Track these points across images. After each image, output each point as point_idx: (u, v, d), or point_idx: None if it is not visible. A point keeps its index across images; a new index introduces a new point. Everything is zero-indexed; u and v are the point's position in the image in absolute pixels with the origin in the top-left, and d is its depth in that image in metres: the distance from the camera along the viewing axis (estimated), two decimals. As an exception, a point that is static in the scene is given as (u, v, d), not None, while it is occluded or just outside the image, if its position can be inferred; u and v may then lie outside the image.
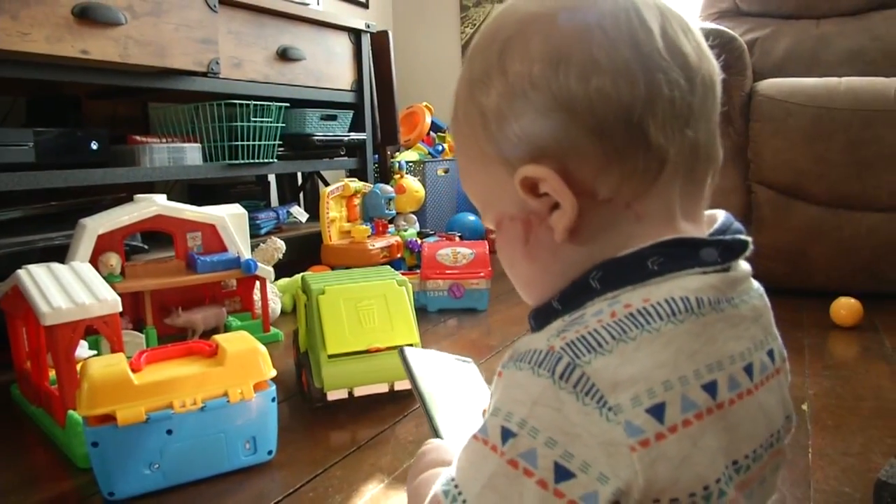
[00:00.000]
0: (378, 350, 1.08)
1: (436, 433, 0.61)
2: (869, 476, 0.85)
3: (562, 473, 0.35)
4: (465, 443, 0.40)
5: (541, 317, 0.44)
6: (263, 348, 0.93)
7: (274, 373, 0.93)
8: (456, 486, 0.39)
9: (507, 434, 0.37)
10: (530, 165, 0.40)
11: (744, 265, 0.43)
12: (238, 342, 0.93)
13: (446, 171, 2.79)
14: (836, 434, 1.01)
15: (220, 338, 0.94)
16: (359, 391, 1.10)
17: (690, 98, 0.40)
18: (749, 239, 0.42)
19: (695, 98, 0.40)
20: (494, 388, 0.41)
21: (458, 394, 0.69)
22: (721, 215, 0.44)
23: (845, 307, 1.56)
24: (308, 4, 2.32)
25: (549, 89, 0.39)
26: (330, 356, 1.07)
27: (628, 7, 0.40)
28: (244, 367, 0.90)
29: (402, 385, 1.11)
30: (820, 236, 1.77)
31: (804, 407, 1.10)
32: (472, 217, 2.63)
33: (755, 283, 0.44)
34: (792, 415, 0.45)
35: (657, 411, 0.36)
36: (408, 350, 0.69)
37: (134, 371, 0.85)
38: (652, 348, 0.37)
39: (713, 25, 1.83)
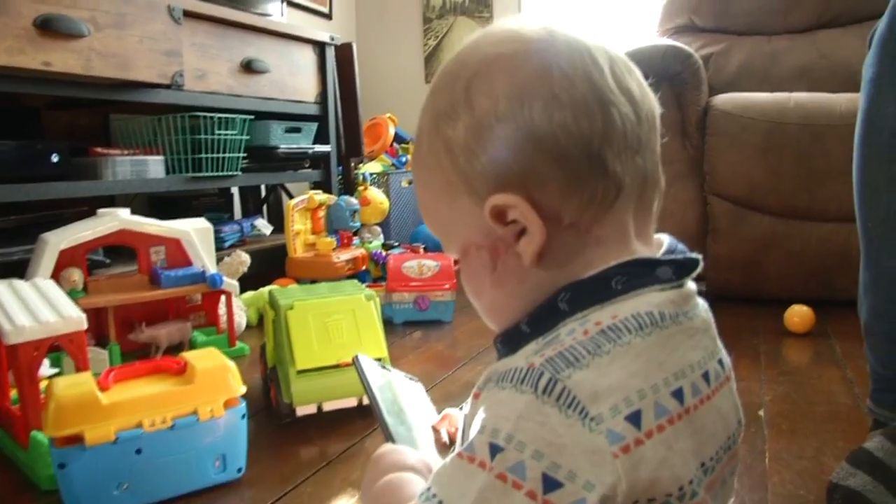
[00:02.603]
0: (347, 365, 1.09)
1: (389, 437, 0.63)
2: (823, 479, 0.89)
3: (550, 484, 0.37)
4: (445, 462, 0.41)
5: (510, 341, 0.46)
6: (233, 365, 0.93)
7: (244, 389, 0.93)
8: (440, 503, 0.39)
9: (494, 449, 0.38)
10: (499, 194, 0.43)
11: (690, 283, 0.46)
12: (207, 359, 0.93)
13: (410, 183, 2.80)
14: (792, 438, 1.05)
15: (189, 355, 0.94)
16: (328, 405, 1.10)
17: (639, 130, 0.44)
18: (700, 257, 0.46)
19: (642, 130, 0.44)
20: (471, 409, 0.43)
21: (407, 405, 0.71)
22: (666, 239, 0.48)
23: (798, 314, 1.62)
24: (271, 16, 2.33)
25: (514, 123, 0.42)
26: (299, 372, 1.07)
27: (581, 49, 0.44)
28: (214, 384, 0.90)
29: (371, 399, 1.12)
30: (773, 246, 1.83)
31: (760, 413, 1.14)
32: (427, 224, 2.65)
33: (700, 299, 0.47)
34: (742, 419, 0.48)
35: (634, 418, 0.39)
36: (362, 357, 0.71)
37: (102, 390, 0.85)
38: (624, 360, 0.40)
39: (669, 42, 1.89)
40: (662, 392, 0.40)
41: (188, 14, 1.78)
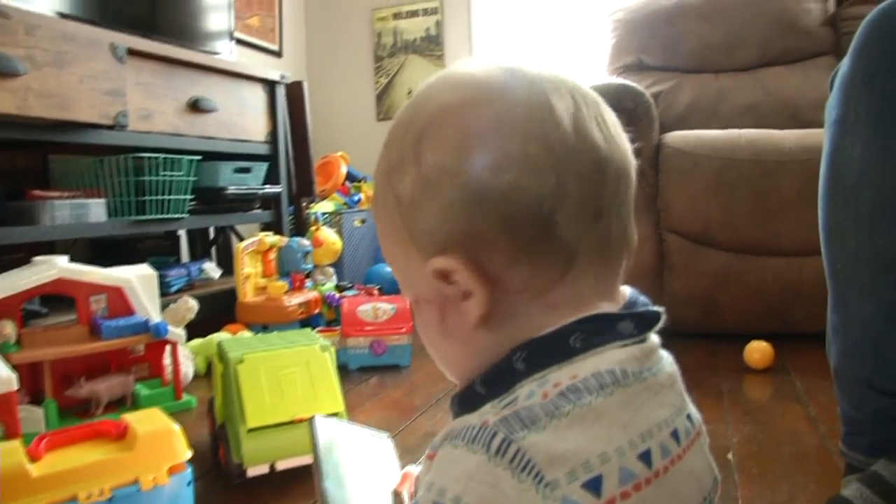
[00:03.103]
0: (301, 420, 1.03)
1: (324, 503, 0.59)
2: (797, 527, 0.87)
3: None
4: None
5: (466, 403, 0.43)
6: (178, 427, 0.87)
7: (190, 454, 0.86)
8: None
9: None
10: (440, 257, 0.40)
11: (653, 337, 0.44)
12: (149, 422, 0.86)
13: (363, 222, 2.76)
14: (763, 483, 1.03)
15: (130, 417, 0.87)
16: (281, 464, 1.04)
17: (601, 189, 0.41)
18: (661, 310, 0.43)
19: (606, 189, 0.41)
20: (425, 470, 0.40)
21: (364, 472, 0.67)
22: (627, 291, 0.45)
23: (758, 351, 1.62)
24: (219, 54, 2.28)
25: (460, 180, 0.39)
26: (250, 430, 1.01)
27: (541, 99, 0.40)
28: (157, 449, 0.83)
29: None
30: (729, 282, 1.84)
31: (729, 456, 1.12)
32: (390, 268, 2.61)
33: (664, 352, 0.45)
34: (717, 476, 0.45)
35: (594, 485, 0.36)
36: (318, 420, 0.67)
37: (33, 460, 0.78)
38: (584, 423, 0.37)
39: (621, 81, 1.91)
40: (628, 455, 0.37)
41: (133, 52, 1.73)
